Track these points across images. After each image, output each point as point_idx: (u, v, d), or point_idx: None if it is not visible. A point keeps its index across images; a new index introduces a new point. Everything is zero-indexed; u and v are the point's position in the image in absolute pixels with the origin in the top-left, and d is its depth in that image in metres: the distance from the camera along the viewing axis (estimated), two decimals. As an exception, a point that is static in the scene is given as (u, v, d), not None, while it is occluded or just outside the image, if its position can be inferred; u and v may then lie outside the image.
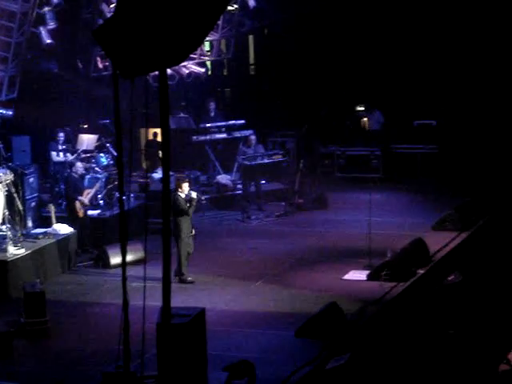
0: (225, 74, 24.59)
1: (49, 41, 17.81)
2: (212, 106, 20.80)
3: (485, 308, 13.38)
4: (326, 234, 16.95)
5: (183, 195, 14.33)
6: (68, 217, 15.84)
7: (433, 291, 14.02)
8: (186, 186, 14.41)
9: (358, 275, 14.34)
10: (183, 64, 19.27)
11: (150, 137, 19.80)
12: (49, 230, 15.19)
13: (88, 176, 17.12)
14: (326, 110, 22.99)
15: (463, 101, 21.66)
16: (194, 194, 14.38)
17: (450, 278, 14.41)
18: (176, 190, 14.44)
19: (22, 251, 14.16)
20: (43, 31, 17.72)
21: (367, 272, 14.25)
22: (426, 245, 15.08)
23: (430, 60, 22.10)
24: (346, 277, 14.37)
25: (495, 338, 12.11)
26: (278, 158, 19.45)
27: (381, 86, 22.53)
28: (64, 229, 15.23)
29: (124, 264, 8.55)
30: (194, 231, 14.54)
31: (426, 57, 22.19)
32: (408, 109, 22.26)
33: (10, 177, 14.83)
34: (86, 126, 19.55)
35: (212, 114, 20.75)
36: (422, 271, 14.43)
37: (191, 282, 14.19)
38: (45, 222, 15.86)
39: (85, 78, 19.85)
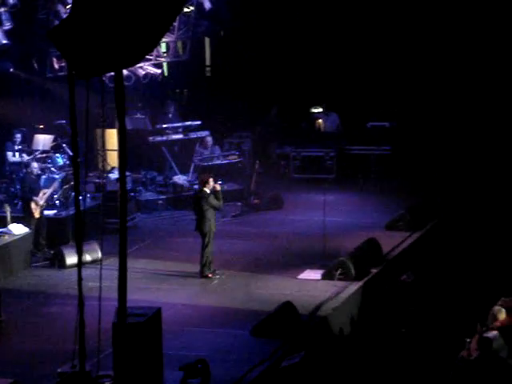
0: (181, 75, 24.60)
1: (5, 41, 17.73)
2: (171, 107, 20.84)
3: (436, 307, 13.59)
4: (281, 233, 17.06)
5: (208, 190, 14.52)
6: (24, 217, 15.79)
7: (386, 290, 14.21)
8: (211, 181, 14.62)
9: (312, 274, 14.47)
10: (139, 65, 19.28)
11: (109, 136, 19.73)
12: (4, 230, 15.14)
13: (44, 176, 17.07)
14: (276, 108, 23.06)
15: (416, 102, 21.92)
16: (218, 187, 14.62)
17: (402, 278, 14.62)
18: (202, 187, 14.62)
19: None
20: (-1, 31, 17.66)
21: (322, 271, 14.40)
22: (379, 244, 15.27)
23: (383, 62, 22.34)
24: (301, 276, 14.50)
25: (447, 337, 12.31)
26: (233, 158, 19.55)
27: (335, 88, 22.71)
28: (19, 229, 15.19)
29: (80, 264, 8.59)
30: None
31: (378, 59, 22.42)
32: (361, 111, 22.47)
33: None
34: (41, 127, 19.46)
35: (170, 116, 20.78)
36: (375, 270, 14.62)
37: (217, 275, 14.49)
38: (0, 222, 15.79)
39: (41, 78, 19.77)
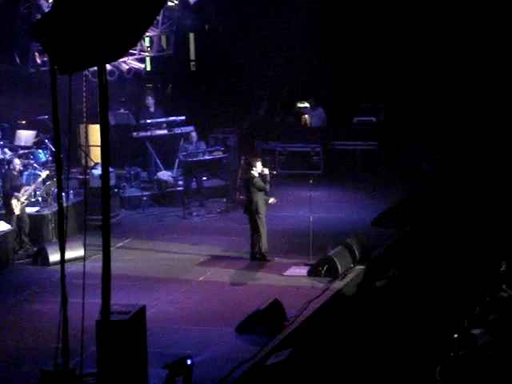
0: (165, 70, 24.48)
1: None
2: (150, 101, 20.66)
3: (424, 303, 13.54)
4: (266, 229, 16.95)
5: (256, 173, 14.64)
6: (5, 214, 15.64)
7: (371, 287, 14.16)
8: (259, 165, 14.80)
9: (298, 271, 14.41)
10: (123, 59, 19.17)
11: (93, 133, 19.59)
12: (-14, 227, 15.01)
13: (26, 172, 16.91)
14: (265, 107, 23.01)
15: (403, 97, 21.91)
16: (266, 171, 14.82)
17: (389, 274, 14.58)
18: (249, 169, 14.84)
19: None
20: (-19, 26, 17.52)
21: (308, 268, 14.32)
22: (365, 241, 15.20)
23: (370, 57, 22.30)
24: (287, 273, 14.43)
25: (435, 332, 12.27)
26: (218, 154, 19.43)
27: (322, 83, 22.65)
28: (1, 226, 15.05)
29: (63, 261, 8.46)
30: (271, 200, 14.99)
31: (365, 54, 22.39)
32: (348, 106, 22.43)
33: None
34: (23, 122, 19.30)
35: (151, 110, 20.62)
36: (361, 267, 14.56)
37: (269, 260, 14.74)
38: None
39: (24, 73, 19.61)
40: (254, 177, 14.70)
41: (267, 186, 14.81)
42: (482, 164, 19.67)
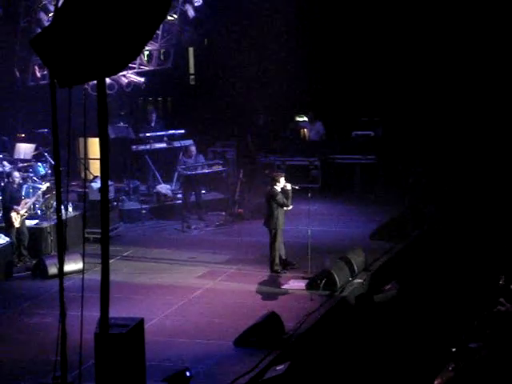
0: (165, 83, 24.55)
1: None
2: (153, 115, 20.75)
3: (422, 317, 13.55)
4: (265, 243, 16.96)
5: (279, 189, 14.73)
6: (4, 226, 15.66)
7: (370, 301, 14.16)
8: (282, 180, 14.90)
9: (297, 284, 14.42)
10: (122, 73, 19.24)
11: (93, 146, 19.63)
12: (-15, 240, 15.03)
13: (26, 185, 16.95)
14: (263, 118, 23.05)
15: (401, 110, 21.97)
16: (288, 186, 14.88)
17: (387, 288, 14.58)
18: (273, 185, 14.86)
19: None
20: (-19, 40, 17.58)
21: (306, 281, 14.34)
22: (364, 254, 15.21)
23: (368, 71, 22.38)
24: (286, 286, 14.45)
25: (433, 346, 12.28)
26: (217, 167, 19.48)
27: (320, 97, 22.72)
28: (0, 239, 15.07)
29: (61, 274, 8.49)
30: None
31: (363, 68, 22.46)
32: (346, 119, 22.48)
33: None
34: (23, 135, 19.34)
35: (153, 124, 20.70)
36: (359, 280, 14.57)
37: (284, 272, 14.85)
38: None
39: (24, 86, 19.67)
40: (277, 192, 14.75)
41: (289, 202, 14.84)
42: (481, 178, 19.69)
